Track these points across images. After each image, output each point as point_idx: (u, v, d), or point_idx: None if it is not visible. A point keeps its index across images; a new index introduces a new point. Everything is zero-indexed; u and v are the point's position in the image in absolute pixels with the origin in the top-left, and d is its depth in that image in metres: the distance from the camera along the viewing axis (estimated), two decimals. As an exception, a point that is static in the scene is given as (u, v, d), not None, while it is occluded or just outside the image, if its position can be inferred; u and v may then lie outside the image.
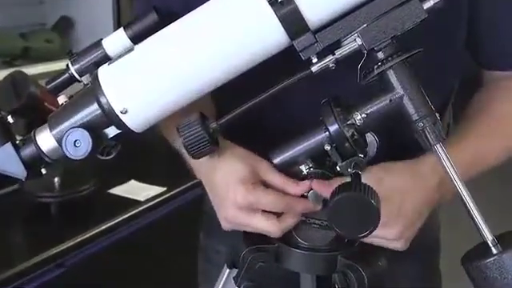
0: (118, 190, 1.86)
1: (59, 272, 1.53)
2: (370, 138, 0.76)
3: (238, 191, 0.78)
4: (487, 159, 0.91)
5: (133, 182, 1.92)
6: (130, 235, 1.71)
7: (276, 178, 0.79)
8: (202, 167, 0.85)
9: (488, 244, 0.68)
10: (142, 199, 1.80)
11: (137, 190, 1.86)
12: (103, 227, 1.64)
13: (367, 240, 0.80)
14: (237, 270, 0.84)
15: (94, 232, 1.61)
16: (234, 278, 0.84)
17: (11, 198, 1.78)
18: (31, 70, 1.77)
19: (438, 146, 0.70)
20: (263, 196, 0.78)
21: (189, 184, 1.83)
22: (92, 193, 1.76)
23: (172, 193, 1.82)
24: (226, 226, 0.83)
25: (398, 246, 0.83)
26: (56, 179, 1.74)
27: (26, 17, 2.15)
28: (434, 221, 1.09)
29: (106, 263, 1.65)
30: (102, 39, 0.76)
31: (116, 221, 1.68)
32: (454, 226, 1.71)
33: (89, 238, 1.60)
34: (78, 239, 1.57)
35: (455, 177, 0.70)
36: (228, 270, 0.88)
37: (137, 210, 1.75)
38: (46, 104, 1.42)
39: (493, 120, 0.93)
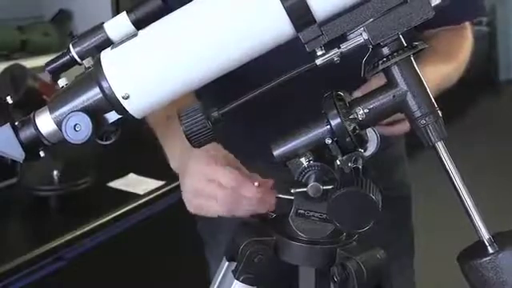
0: (117, 184, 1.86)
1: (58, 265, 1.53)
2: (371, 133, 0.76)
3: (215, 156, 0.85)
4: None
5: (132, 175, 1.91)
6: (129, 228, 1.71)
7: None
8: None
9: (484, 243, 0.68)
10: (141, 193, 1.80)
11: (136, 184, 1.86)
12: (102, 221, 1.64)
13: None
14: (235, 262, 0.84)
15: (93, 225, 1.61)
16: (232, 271, 0.84)
17: (10, 192, 1.78)
18: (29, 63, 1.76)
19: (439, 143, 0.69)
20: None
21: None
22: (91, 186, 1.76)
23: (171, 186, 1.81)
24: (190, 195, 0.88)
25: None
26: (55, 172, 1.73)
27: (23, 10, 2.14)
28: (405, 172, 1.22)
29: (105, 257, 1.66)
30: (103, 22, 0.74)
31: (115, 214, 1.68)
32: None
33: (88, 232, 1.60)
34: (77, 233, 1.58)
35: (455, 176, 0.69)
36: (227, 263, 0.88)
37: (136, 204, 1.75)
38: (44, 97, 1.41)
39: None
